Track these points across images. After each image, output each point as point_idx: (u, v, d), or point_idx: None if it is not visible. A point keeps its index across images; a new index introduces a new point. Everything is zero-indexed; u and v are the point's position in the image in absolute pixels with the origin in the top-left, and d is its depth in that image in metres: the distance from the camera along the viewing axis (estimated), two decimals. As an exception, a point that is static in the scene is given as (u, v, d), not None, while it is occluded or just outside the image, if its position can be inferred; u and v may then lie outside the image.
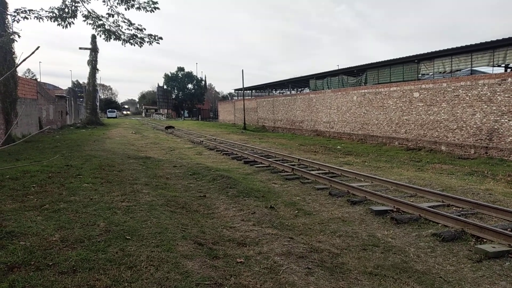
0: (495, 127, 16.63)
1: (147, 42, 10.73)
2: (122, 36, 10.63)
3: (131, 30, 10.62)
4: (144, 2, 10.03)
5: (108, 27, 10.43)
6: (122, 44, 10.77)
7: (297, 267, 4.99)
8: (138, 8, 10.08)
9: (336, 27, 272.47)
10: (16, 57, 19.36)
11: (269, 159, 14.95)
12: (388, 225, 7.09)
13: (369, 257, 5.50)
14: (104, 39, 10.61)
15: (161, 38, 10.95)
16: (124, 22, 10.48)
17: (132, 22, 10.63)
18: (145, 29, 10.81)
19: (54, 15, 9.45)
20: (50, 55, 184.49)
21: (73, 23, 9.92)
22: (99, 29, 10.42)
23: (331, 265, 5.14)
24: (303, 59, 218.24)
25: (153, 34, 10.88)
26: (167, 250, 5.10)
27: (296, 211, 7.92)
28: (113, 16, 10.32)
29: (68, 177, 9.81)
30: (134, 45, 10.72)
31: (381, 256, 5.56)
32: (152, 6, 10.14)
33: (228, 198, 8.86)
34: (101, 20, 10.26)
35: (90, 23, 10.32)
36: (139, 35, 10.67)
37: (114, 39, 10.60)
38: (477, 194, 9.41)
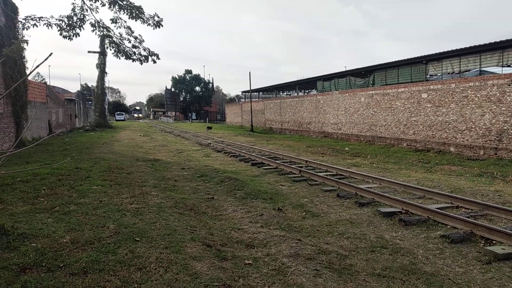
0: (505, 128, 16.47)
1: (145, 58, 10.95)
2: (127, 48, 10.84)
3: (135, 42, 10.83)
4: (149, 16, 10.22)
5: (114, 38, 10.62)
6: (127, 59, 11.00)
7: (305, 268, 5.00)
8: (143, 21, 10.24)
9: (344, 28, 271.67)
10: (26, 61, 19.63)
11: (277, 161, 14.96)
12: (396, 226, 7.07)
13: (377, 259, 5.49)
14: (113, 54, 10.83)
15: (158, 58, 11.20)
16: (127, 31, 10.65)
17: (133, 30, 10.85)
18: (143, 41, 11.02)
19: (65, 23, 9.59)
20: (59, 59, 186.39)
21: (78, 35, 10.08)
22: (107, 40, 10.63)
23: (339, 266, 5.15)
24: (310, 60, 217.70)
25: (151, 51, 11.09)
26: (176, 251, 5.15)
27: (304, 213, 7.93)
28: (117, 22, 10.47)
29: (78, 180, 9.92)
30: (141, 62, 10.98)
31: (389, 258, 5.55)
32: (156, 22, 10.31)
33: (236, 200, 8.90)
34: (109, 30, 10.44)
35: (99, 35, 10.54)
36: (142, 52, 10.91)
37: (125, 58, 10.83)
38: (486, 196, 9.35)
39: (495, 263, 5.35)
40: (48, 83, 46.67)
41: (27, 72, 19.01)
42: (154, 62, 11.17)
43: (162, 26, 10.37)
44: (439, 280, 4.83)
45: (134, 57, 10.90)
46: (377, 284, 4.67)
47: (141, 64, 10.99)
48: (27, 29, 9.49)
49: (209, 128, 44.24)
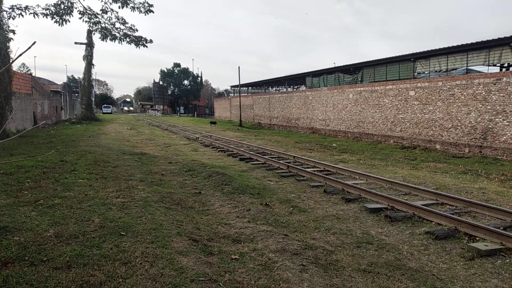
0: (490, 126, 16.73)
1: (137, 43, 10.78)
2: (118, 35, 10.64)
3: (125, 30, 10.65)
4: (139, 3, 10.04)
5: (104, 25, 10.43)
6: (119, 43, 10.79)
7: (292, 263, 5.01)
8: (133, 8, 10.07)
9: (335, 25, 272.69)
10: (11, 51, 19.19)
11: (265, 156, 14.96)
12: (382, 222, 7.14)
13: (363, 255, 5.54)
14: (100, 38, 10.62)
15: (151, 41, 11.03)
16: (118, 20, 10.49)
17: (126, 21, 10.68)
18: (137, 30, 10.86)
19: (50, 12, 9.41)
20: (46, 50, 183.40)
21: (69, 21, 9.89)
22: (95, 27, 10.42)
23: (325, 262, 5.17)
24: (301, 56, 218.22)
25: (143, 37, 10.96)
26: (162, 246, 5.11)
27: (291, 208, 7.95)
28: (106, 13, 10.32)
29: (63, 173, 9.78)
30: (131, 43, 10.75)
31: (374, 254, 5.60)
32: (147, 7, 10.14)
33: (223, 195, 8.87)
34: (97, 17, 10.25)
35: (86, 21, 10.31)
36: (132, 35, 10.71)
37: (110, 39, 10.62)
38: (471, 193, 9.49)
39: (478, 259, 5.43)
40: (33, 74, 45.89)
41: (12, 64, 18.64)
42: (145, 46, 11.05)
43: (153, 12, 10.23)
44: (423, 276, 4.89)
45: (126, 40, 10.76)
46: (363, 280, 4.71)
47: (138, 47, 10.85)
48: (13, 18, 9.26)
49: (213, 123, 43.14)
